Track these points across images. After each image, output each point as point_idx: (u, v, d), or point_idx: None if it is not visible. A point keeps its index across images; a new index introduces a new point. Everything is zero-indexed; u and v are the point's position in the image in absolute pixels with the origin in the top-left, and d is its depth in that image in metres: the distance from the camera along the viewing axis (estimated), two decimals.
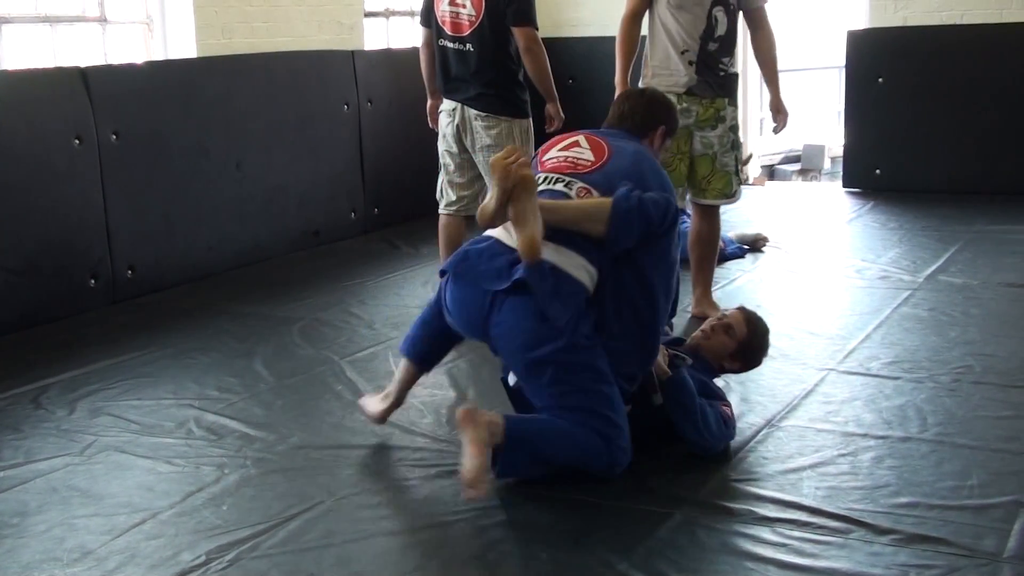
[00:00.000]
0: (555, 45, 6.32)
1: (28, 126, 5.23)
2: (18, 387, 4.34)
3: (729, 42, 4.82)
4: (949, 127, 7.85)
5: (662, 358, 3.57)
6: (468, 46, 5.15)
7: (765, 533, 2.98)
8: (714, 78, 4.80)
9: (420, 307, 5.37)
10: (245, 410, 4.06)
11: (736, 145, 4.95)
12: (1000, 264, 5.89)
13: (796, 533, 2.98)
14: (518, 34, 5.11)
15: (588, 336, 3.24)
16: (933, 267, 5.84)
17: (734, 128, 4.91)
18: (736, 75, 4.94)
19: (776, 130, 5.15)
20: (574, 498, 3.24)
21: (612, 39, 8.80)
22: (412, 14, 8.02)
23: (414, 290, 5.75)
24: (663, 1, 4.74)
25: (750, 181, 9.01)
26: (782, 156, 11.22)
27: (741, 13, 4.92)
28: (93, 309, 5.49)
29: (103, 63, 5.95)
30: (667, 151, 3.98)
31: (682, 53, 4.74)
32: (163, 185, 5.89)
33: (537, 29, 5.18)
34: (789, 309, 5.23)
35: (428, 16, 5.30)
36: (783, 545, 2.92)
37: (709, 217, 5.04)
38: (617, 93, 4.78)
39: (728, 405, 3.62)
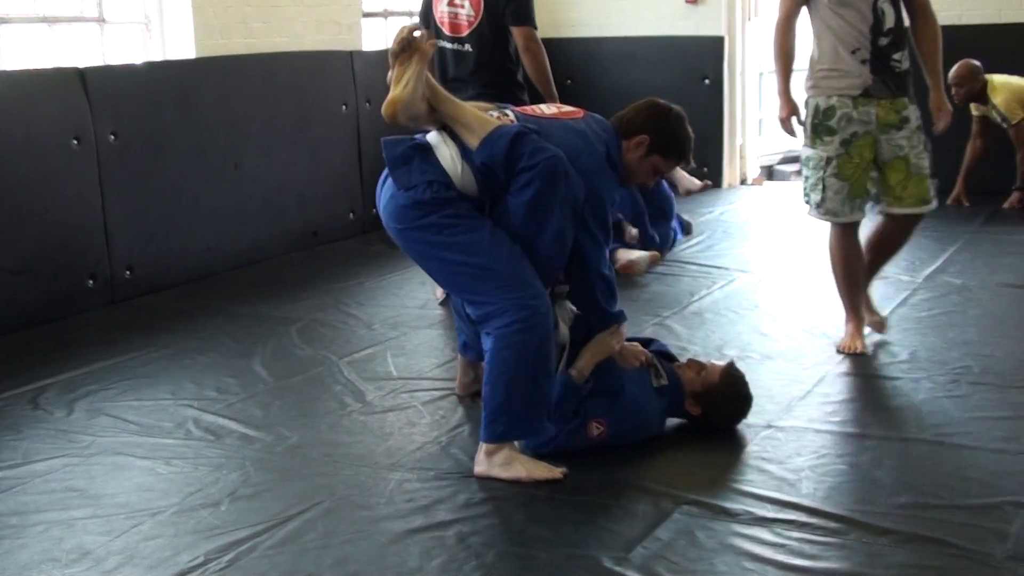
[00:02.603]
0: (553, 45, 6.32)
1: (26, 126, 5.23)
2: (16, 388, 4.34)
3: (899, 35, 4.38)
4: (947, 127, 7.83)
5: (641, 359, 3.64)
6: (467, 46, 5.16)
7: (764, 534, 2.98)
8: (890, 75, 4.35)
9: (418, 307, 5.41)
10: (244, 411, 4.05)
11: (927, 146, 4.45)
12: (998, 265, 5.89)
13: (795, 533, 2.98)
14: (517, 34, 5.12)
15: (447, 209, 3.36)
16: (932, 268, 5.85)
17: (921, 128, 4.43)
18: (910, 71, 4.45)
19: (937, 130, 4.53)
20: (573, 498, 3.24)
21: (610, 39, 8.90)
22: (410, 14, 8.02)
23: (412, 290, 5.75)
24: None
25: (749, 181, 9.01)
26: (781, 156, 11.19)
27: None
28: (91, 310, 5.49)
29: (101, 63, 5.94)
30: (657, 171, 3.75)
31: (853, 52, 4.32)
32: (161, 186, 5.89)
33: (536, 29, 5.18)
34: (788, 309, 5.23)
35: (427, 17, 5.30)
36: (782, 545, 2.92)
37: (904, 228, 4.54)
38: (780, 105, 4.52)
39: (602, 425, 3.49)
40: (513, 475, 3.31)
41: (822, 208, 4.44)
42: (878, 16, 4.30)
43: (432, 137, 3.49)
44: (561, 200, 3.35)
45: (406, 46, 3.36)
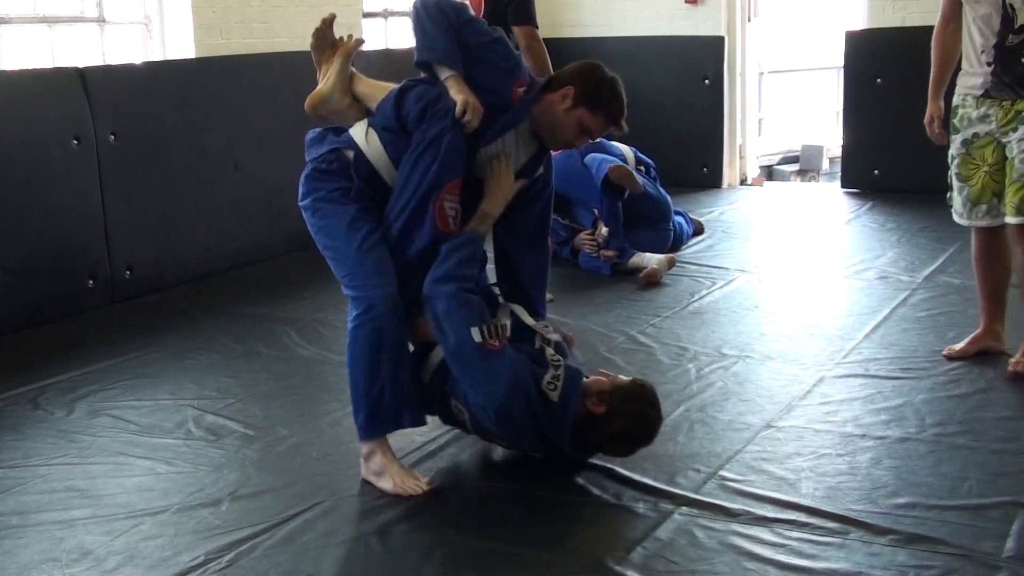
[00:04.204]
0: (554, 45, 6.30)
1: (26, 126, 5.23)
2: (17, 388, 4.34)
3: None
4: None
5: (548, 335, 3.50)
6: None
7: (764, 533, 2.99)
8: (1014, 78, 4.06)
9: None
10: (244, 411, 4.06)
11: None
12: None
13: (795, 533, 2.98)
14: (519, 33, 5.12)
15: (323, 191, 3.39)
16: (931, 267, 5.85)
17: None
18: None
19: None
20: (573, 498, 3.24)
21: (610, 39, 8.91)
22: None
23: None
24: None
25: (748, 181, 9.02)
26: (780, 157, 11.21)
27: None
28: (91, 309, 5.49)
29: (101, 63, 5.95)
30: (586, 131, 3.46)
31: (980, 52, 4.10)
32: (161, 185, 5.89)
33: (537, 28, 5.19)
34: (787, 309, 5.24)
35: None
36: (782, 545, 2.92)
37: (1020, 239, 4.16)
38: (929, 104, 4.33)
39: (497, 351, 3.21)
40: (381, 486, 3.30)
41: (952, 207, 4.31)
42: (1007, 12, 4.01)
43: (346, 112, 3.56)
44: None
45: (319, 41, 3.51)
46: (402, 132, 3.36)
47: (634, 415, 3.33)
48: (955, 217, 4.35)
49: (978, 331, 4.41)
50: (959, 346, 4.41)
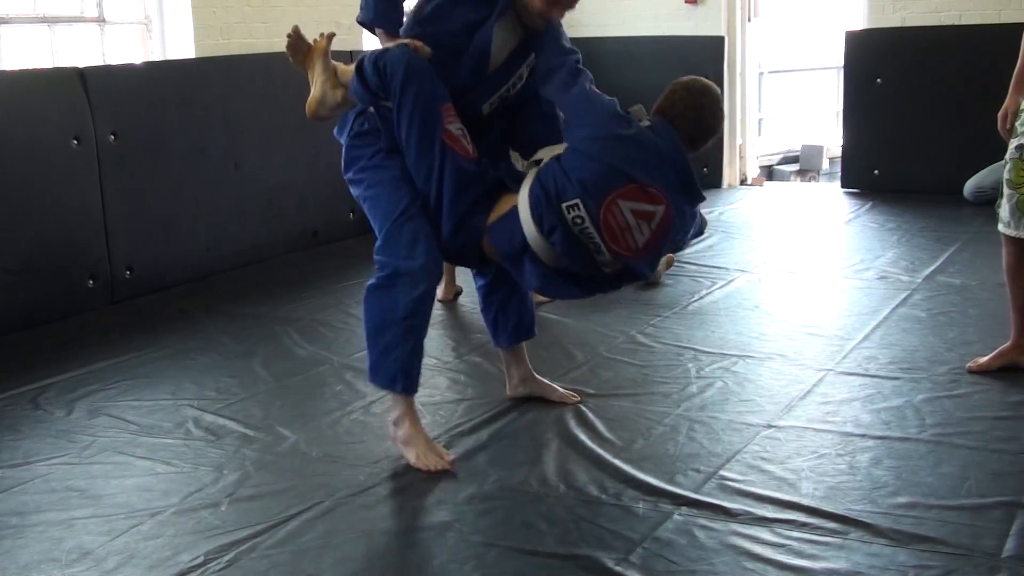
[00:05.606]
0: None
1: (26, 127, 5.23)
2: (16, 388, 4.34)
3: None
4: (947, 128, 7.85)
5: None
6: None
7: (764, 533, 2.99)
8: None
9: None
10: (244, 411, 4.06)
11: None
12: (998, 265, 5.81)
13: (795, 533, 2.98)
14: None
15: (362, 160, 3.54)
16: (931, 268, 5.85)
17: None
18: None
19: None
20: (573, 498, 3.24)
21: (610, 39, 8.90)
22: None
23: None
24: None
25: (748, 181, 9.02)
26: (780, 157, 11.21)
27: None
28: (91, 309, 5.49)
29: (101, 64, 5.95)
30: None
31: None
32: (161, 186, 5.90)
33: None
34: (787, 309, 5.24)
35: None
36: (782, 545, 2.92)
37: None
38: (1008, 97, 4.15)
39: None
40: (406, 455, 3.46)
41: (999, 216, 4.09)
42: None
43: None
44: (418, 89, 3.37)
45: (294, 53, 3.62)
46: (373, 101, 3.48)
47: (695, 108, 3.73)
48: (1000, 227, 4.09)
49: (1006, 345, 4.24)
50: (983, 359, 4.24)
